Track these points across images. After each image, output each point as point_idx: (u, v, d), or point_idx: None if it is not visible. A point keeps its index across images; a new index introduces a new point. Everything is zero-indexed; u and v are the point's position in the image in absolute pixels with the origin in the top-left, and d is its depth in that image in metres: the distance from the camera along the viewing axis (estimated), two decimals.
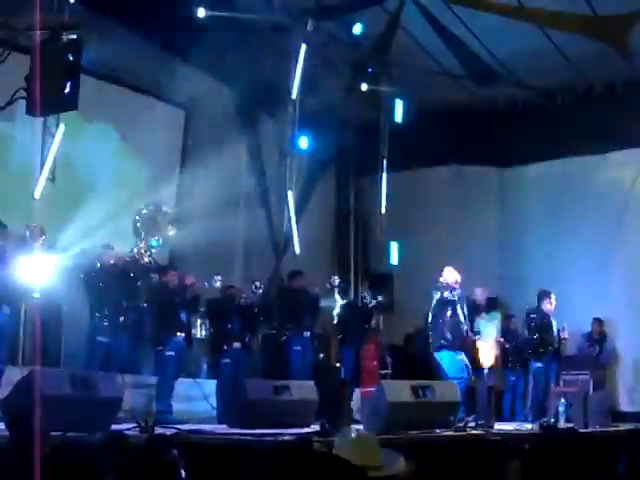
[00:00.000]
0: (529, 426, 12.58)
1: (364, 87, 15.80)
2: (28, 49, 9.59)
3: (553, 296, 14.04)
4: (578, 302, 15.31)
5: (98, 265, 11.64)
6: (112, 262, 11.64)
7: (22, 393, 9.02)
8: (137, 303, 12.28)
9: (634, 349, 15.56)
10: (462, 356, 12.39)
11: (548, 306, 14.11)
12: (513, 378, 14.71)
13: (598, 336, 15.42)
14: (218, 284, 12.44)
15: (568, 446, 5.05)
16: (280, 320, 13.90)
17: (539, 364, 14.10)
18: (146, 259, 12.07)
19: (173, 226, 12.88)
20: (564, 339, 14.28)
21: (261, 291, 13.43)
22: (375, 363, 14.79)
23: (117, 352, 11.50)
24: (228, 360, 12.54)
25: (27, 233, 10.44)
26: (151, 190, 15.13)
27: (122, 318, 11.56)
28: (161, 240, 12.68)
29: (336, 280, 14.06)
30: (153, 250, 12.32)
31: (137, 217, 12.34)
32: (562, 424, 12.57)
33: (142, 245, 12.08)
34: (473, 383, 13.92)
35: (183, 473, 5.26)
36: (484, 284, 16.13)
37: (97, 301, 11.49)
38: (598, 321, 15.40)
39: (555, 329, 14.11)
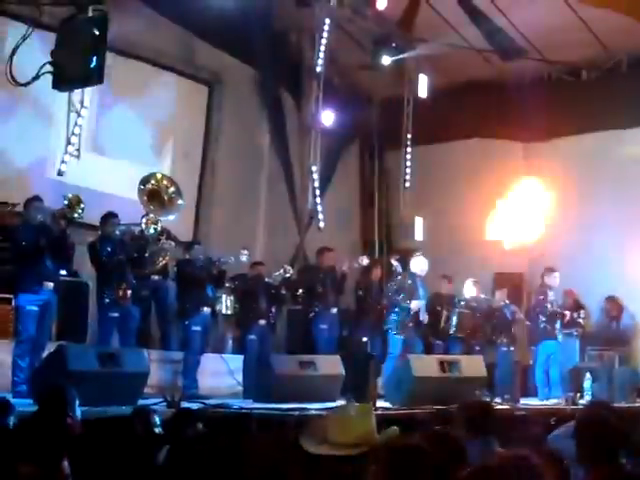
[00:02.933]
0: (555, 401, 12.61)
1: (388, 62, 15.70)
2: (52, 26, 9.61)
3: (556, 274, 13.91)
4: (598, 278, 15.20)
5: (99, 233, 11.30)
6: (115, 232, 11.16)
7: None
8: (146, 275, 12.01)
9: None
10: None
11: (550, 282, 13.96)
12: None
13: (615, 313, 15.24)
14: (244, 258, 12.39)
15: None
16: (306, 297, 13.90)
17: (549, 340, 13.93)
18: (152, 229, 11.79)
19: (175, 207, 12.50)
20: (583, 319, 14.26)
21: (289, 275, 13.36)
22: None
23: (128, 326, 11.19)
24: (254, 336, 12.56)
25: (65, 202, 10.35)
26: (175, 166, 15.15)
27: (129, 292, 11.07)
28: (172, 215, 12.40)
29: (364, 260, 13.99)
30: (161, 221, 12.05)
31: (142, 187, 12.07)
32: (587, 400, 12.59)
33: (151, 216, 11.87)
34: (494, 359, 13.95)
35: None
36: (509, 259, 16.11)
37: (102, 273, 11.11)
38: (612, 298, 15.22)
39: (557, 304, 13.98)
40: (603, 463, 4.76)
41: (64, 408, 6.15)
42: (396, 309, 13.27)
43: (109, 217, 11.29)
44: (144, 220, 11.76)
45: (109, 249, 11.05)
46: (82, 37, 8.25)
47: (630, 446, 5.40)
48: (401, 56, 15.76)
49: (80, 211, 10.37)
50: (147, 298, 12.41)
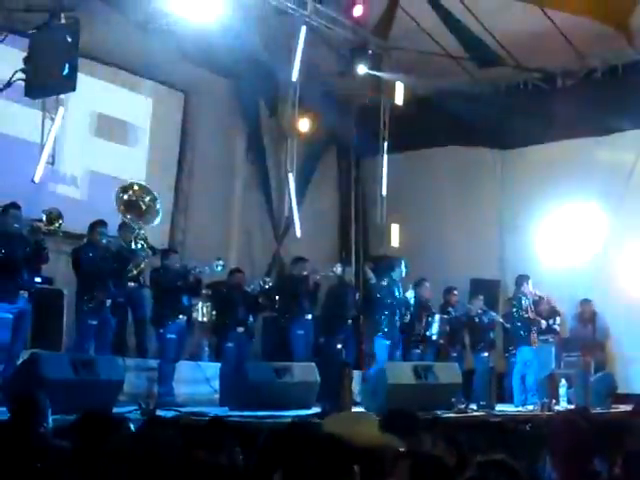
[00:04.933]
0: (530, 407, 12.64)
1: (364, 70, 15.69)
2: (25, 32, 9.56)
3: (530, 280, 14.03)
4: (576, 284, 15.27)
5: (84, 241, 11.34)
6: (102, 240, 11.20)
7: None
8: (125, 284, 12.04)
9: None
10: None
11: (527, 290, 14.07)
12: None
13: (589, 315, 15.25)
14: (219, 268, 12.36)
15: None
16: (281, 305, 13.91)
17: (526, 347, 14.01)
18: (140, 245, 11.93)
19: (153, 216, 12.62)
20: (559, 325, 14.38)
21: (267, 287, 13.33)
22: None
23: (105, 334, 11.16)
24: (231, 344, 12.54)
25: (43, 217, 10.34)
26: (151, 173, 15.10)
27: (109, 301, 11.13)
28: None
29: (338, 268, 14.00)
30: (142, 231, 12.17)
31: (120, 195, 12.20)
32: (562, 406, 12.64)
33: (141, 232, 11.98)
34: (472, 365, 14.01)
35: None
36: (485, 266, 16.15)
37: (83, 280, 11.06)
38: (586, 301, 15.25)
39: (533, 310, 14.06)
40: (576, 470, 4.77)
41: (36, 417, 6.10)
42: (385, 312, 13.34)
43: (98, 225, 11.31)
44: (133, 236, 11.83)
45: (94, 257, 11.06)
46: (54, 44, 8.23)
47: (609, 453, 5.43)
48: (377, 73, 15.71)
49: (57, 225, 10.39)
50: (123, 305, 12.39)
